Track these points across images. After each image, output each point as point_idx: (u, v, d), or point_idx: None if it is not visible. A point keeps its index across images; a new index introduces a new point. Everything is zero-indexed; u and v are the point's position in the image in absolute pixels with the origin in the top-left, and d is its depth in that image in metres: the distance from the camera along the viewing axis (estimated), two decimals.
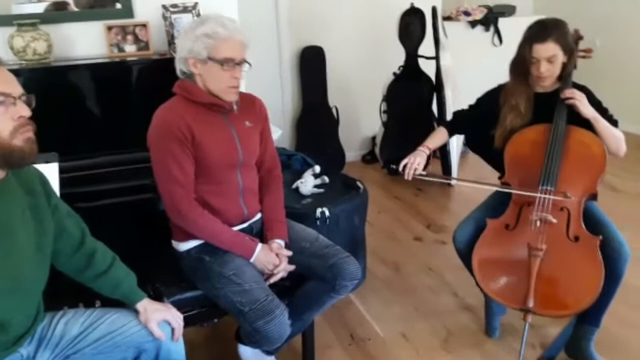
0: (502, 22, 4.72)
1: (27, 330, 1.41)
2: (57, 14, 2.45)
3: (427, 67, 4.17)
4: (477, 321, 2.42)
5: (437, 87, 4.06)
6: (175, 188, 1.74)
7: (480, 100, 2.29)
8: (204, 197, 1.80)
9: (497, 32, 4.73)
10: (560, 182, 1.98)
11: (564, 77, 2.07)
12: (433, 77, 4.14)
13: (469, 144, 2.31)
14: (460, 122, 2.30)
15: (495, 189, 2.18)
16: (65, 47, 2.44)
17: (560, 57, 2.00)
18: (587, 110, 1.98)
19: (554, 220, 1.96)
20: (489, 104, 2.20)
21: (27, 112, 1.24)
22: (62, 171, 1.81)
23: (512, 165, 2.10)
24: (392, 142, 4.25)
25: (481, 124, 2.20)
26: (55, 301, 1.54)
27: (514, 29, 4.61)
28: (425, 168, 2.13)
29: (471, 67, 4.54)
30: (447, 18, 4.63)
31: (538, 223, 1.97)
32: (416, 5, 4.09)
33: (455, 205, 3.77)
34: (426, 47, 4.12)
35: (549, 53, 1.98)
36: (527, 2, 5.34)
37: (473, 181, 2.26)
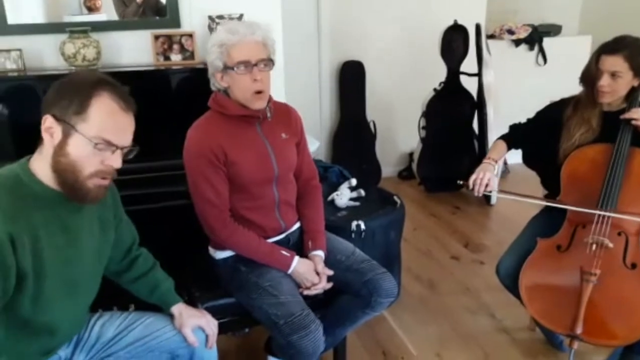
0: (547, 42, 4.63)
1: (70, 338, 1.44)
2: (108, 22, 2.52)
3: (469, 84, 4.12)
4: (515, 343, 2.35)
5: (479, 104, 4.00)
6: (208, 208, 1.73)
7: (540, 114, 2.19)
8: (239, 211, 1.79)
9: (542, 51, 4.64)
10: (620, 206, 1.89)
11: (632, 98, 1.96)
12: (474, 95, 4.08)
13: (525, 159, 2.21)
14: (519, 137, 2.19)
15: (557, 205, 2.02)
16: (113, 54, 2.50)
17: (627, 77, 1.90)
18: None
19: (611, 245, 1.87)
20: (551, 118, 2.10)
21: (117, 164, 1.25)
22: None
23: (569, 183, 2.00)
24: (430, 158, 4.21)
25: (541, 138, 2.11)
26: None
27: (559, 48, 4.64)
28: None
29: (514, 86, 4.48)
30: (490, 36, 4.57)
31: (594, 246, 1.88)
32: (460, 22, 4.05)
33: (495, 225, 3.68)
34: (468, 64, 4.08)
35: (614, 68, 1.88)
36: (573, 22, 5.23)
37: (542, 199, 2.13)
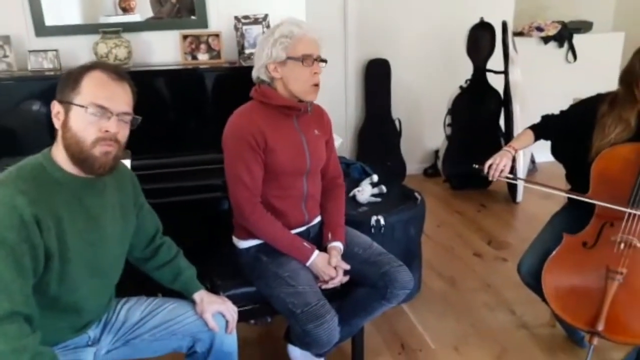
0: (578, 39, 4.56)
1: (97, 316, 1.53)
2: (138, 23, 2.63)
3: (496, 82, 4.11)
4: (533, 339, 2.36)
5: (505, 102, 3.98)
6: (242, 191, 1.80)
7: (574, 108, 2.18)
8: (269, 199, 1.85)
9: (572, 48, 4.58)
10: None
11: None
12: (501, 92, 4.07)
13: (554, 151, 2.22)
14: (550, 127, 2.18)
15: (586, 200, 2.00)
16: (143, 53, 2.61)
17: None
18: None
19: (639, 245, 1.87)
20: (585, 113, 2.07)
21: (113, 128, 1.33)
22: (133, 169, 1.93)
23: (599, 181, 1.98)
24: (456, 156, 4.20)
25: (572, 131, 2.10)
26: (119, 291, 1.62)
27: (590, 45, 4.56)
28: (511, 170, 2.07)
29: (542, 83, 4.43)
30: (518, 34, 4.53)
31: (622, 245, 1.88)
32: (487, 19, 4.04)
33: (519, 223, 3.66)
34: (495, 62, 4.06)
35: None
36: (606, 18, 5.13)
37: (565, 191, 2.12)
